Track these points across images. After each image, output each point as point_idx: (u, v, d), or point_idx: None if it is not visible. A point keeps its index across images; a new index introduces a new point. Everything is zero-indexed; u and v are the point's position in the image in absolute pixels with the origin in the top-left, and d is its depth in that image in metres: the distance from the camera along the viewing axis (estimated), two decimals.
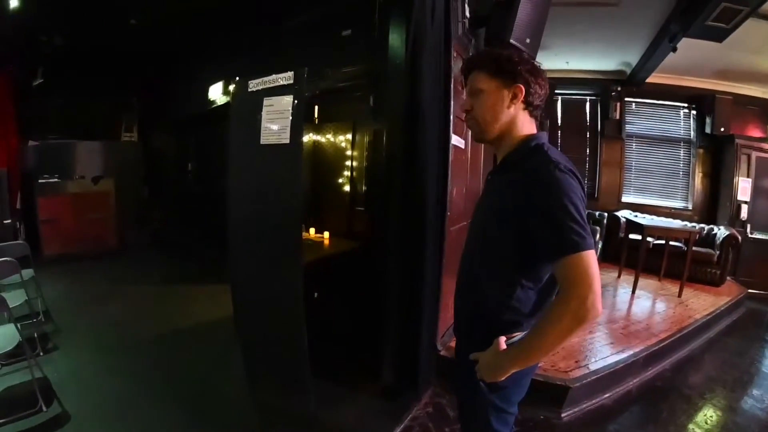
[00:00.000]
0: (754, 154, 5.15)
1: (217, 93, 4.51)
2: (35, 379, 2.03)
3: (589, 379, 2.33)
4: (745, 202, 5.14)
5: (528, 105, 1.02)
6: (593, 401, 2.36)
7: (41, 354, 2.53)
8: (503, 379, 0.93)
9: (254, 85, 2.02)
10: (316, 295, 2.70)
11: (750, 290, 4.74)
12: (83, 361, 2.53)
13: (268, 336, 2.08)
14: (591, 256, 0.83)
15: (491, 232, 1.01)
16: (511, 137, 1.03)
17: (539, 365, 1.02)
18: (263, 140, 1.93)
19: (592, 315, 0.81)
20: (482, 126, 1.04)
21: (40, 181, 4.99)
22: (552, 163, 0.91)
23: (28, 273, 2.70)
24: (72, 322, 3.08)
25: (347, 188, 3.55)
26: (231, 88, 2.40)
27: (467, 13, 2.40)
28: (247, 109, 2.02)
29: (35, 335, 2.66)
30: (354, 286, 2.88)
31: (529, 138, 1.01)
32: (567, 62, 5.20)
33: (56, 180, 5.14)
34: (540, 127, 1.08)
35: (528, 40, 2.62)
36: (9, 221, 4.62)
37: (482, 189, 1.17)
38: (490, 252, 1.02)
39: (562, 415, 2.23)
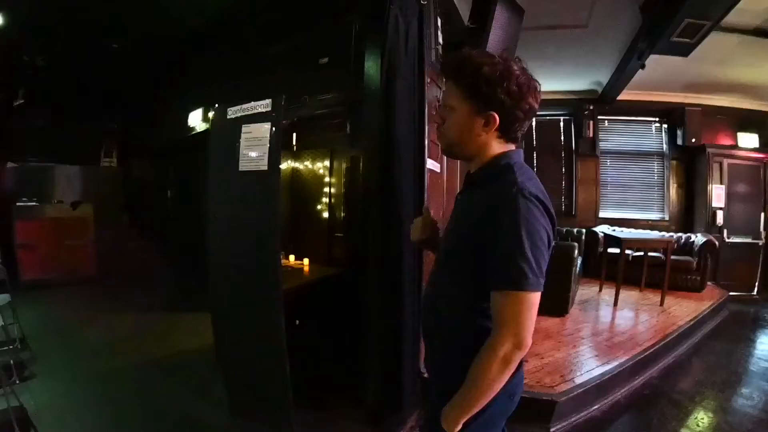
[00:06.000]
0: (726, 162, 5.34)
1: (197, 120, 4.51)
2: (11, 408, 1.96)
3: (575, 393, 2.33)
4: (720, 209, 5.29)
5: (503, 134, 0.93)
6: (582, 414, 2.36)
7: (17, 382, 2.44)
8: (460, 428, 0.88)
9: (233, 112, 2.04)
10: (297, 321, 2.67)
11: (731, 293, 4.84)
12: (61, 389, 2.45)
13: (249, 363, 2.04)
14: (531, 298, 0.80)
15: (454, 251, 0.97)
16: (481, 157, 0.95)
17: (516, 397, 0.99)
18: (242, 167, 1.94)
19: (518, 357, 0.82)
20: (449, 146, 1.00)
21: (17, 204, 4.89)
22: (517, 186, 0.83)
23: (4, 298, 2.65)
24: (50, 350, 2.99)
25: (326, 215, 3.56)
26: (210, 115, 2.42)
27: (440, 40, 2.49)
28: (226, 136, 2.04)
29: (11, 363, 2.56)
30: (335, 312, 2.87)
31: (500, 156, 0.93)
32: (540, 84, 5.36)
33: (34, 204, 5.05)
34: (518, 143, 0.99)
35: None
36: None
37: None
38: (451, 274, 0.97)
39: (551, 430, 2.22)
